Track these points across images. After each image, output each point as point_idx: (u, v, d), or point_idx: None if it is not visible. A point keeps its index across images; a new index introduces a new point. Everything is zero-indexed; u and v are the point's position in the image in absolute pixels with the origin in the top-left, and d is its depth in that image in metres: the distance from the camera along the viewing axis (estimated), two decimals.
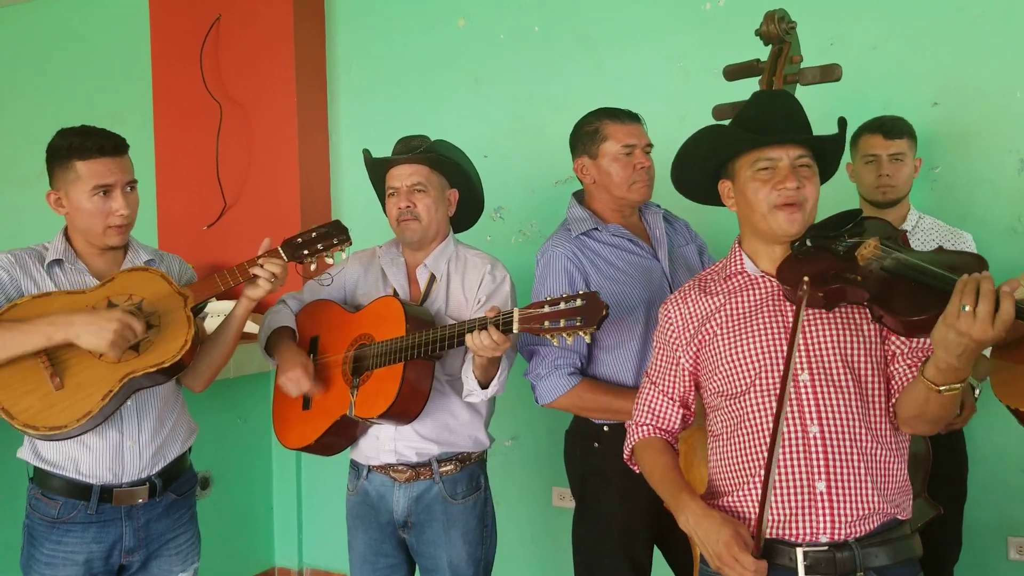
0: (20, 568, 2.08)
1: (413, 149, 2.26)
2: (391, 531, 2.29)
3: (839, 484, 1.58)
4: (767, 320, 1.68)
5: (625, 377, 2.25)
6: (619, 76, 3.27)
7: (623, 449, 1.92)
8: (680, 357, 1.78)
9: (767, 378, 1.64)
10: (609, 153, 2.27)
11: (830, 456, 1.59)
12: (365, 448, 2.29)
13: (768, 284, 1.71)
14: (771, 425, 1.62)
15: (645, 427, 1.83)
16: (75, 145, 1.98)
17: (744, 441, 1.67)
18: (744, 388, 1.66)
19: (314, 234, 2.17)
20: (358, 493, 2.32)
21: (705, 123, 2.83)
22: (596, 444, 2.27)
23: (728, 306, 1.73)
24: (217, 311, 3.34)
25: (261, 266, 2.07)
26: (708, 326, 1.74)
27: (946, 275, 1.45)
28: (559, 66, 3.39)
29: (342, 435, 2.25)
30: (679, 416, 1.82)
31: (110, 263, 2.11)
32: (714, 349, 1.72)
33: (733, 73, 2.30)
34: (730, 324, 1.71)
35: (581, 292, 1.85)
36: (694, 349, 1.76)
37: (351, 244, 2.21)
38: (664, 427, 1.82)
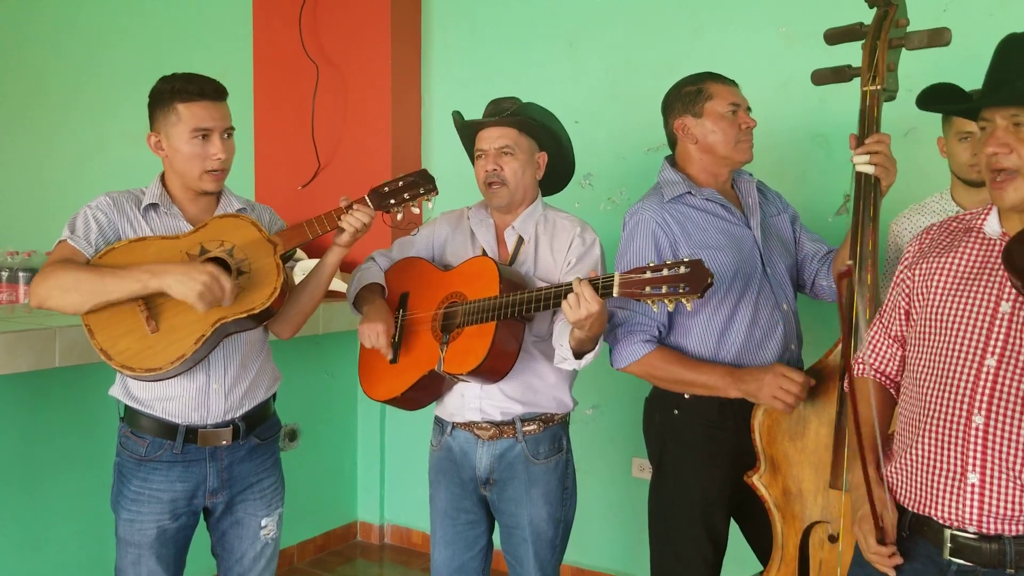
0: (110, 506, 2.17)
1: (503, 111, 2.26)
2: (473, 488, 2.32)
3: (994, 480, 1.49)
4: (980, 288, 1.55)
5: (706, 346, 2.22)
6: (718, 40, 3.18)
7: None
8: (900, 298, 1.72)
9: (956, 353, 1.54)
10: (715, 112, 2.23)
11: (990, 450, 1.49)
12: (450, 405, 2.32)
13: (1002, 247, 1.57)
14: (941, 404, 1.55)
15: (862, 365, 1.80)
16: (177, 88, 2.03)
17: (917, 406, 1.61)
18: (932, 354, 1.58)
19: (401, 183, 2.17)
20: (442, 449, 2.36)
21: (809, 91, 2.75)
22: (676, 411, 2.25)
23: (951, 260, 1.61)
24: (305, 269, 3.41)
25: (350, 215, 2.09)
26: (930, 280, 1.63)
27: None
28: (655, 30, 3.32)
29: (428, 390, 2.29)
30: (898, 357, 1.75)
31: (204, 209, 2.15)
32: (923, 301, 1.63)
33: (833, 37, 2.23)
34: (946, 281, 1.60)
35: (686, 259, 1.82)
36: (913, 293, 1.67)
37: (438, 193, 2.20)
38: (881, 368, 1.78)
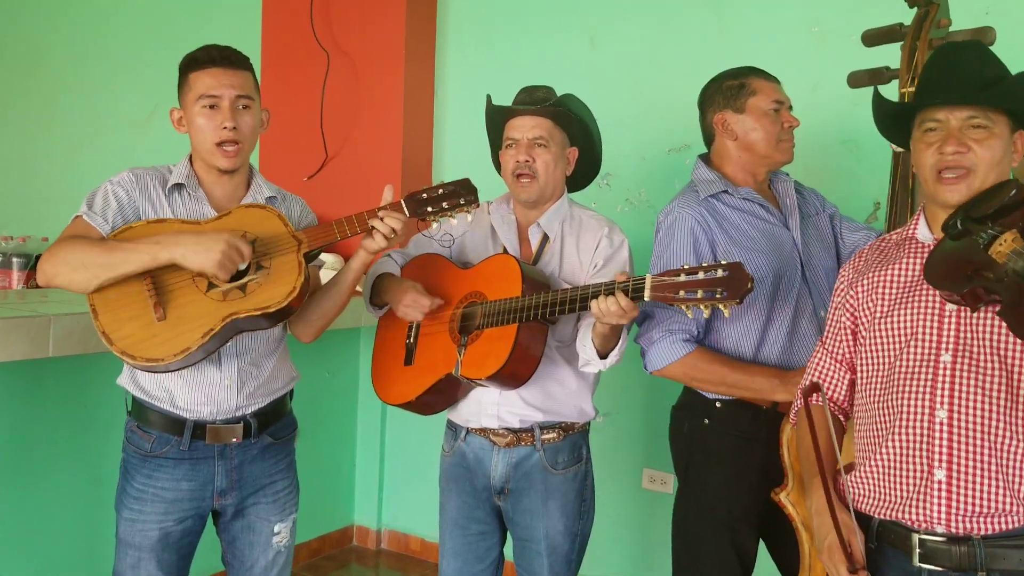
0: (114, 506, 2.06)
1: (538, 100, 2.15)
2: (486, 497, 2.21)
3: (960, 476, 1.50)
4: (924, 292, 1.59)
5: (745, 352, 2.12)
6: (746, 40, 3.08)
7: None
8: (844, 318, 1.72)
9: (910, 356, 1.56)
10: (758, 108, 2.14)
11: (955, 445, 1.51)
12: (464, 410, 2.21)
13: None
14: (903, 406, 1.55)
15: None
16: (191, 58, 1.97)
17: (876, 417, 1.61)
18: (886, 364, 1.61)
19: (441, 191, 2.03)
20: (454, 455, 2.24)
21: (840, 94, 2.66)
22: (706, 420, 2.15)
23: (891, 273, 1.66)
24: (333, 264, 3.31)
25: (381, 219, 1.97)
26: (874, 294, 1.67)
27: None
28: (680, 27, 3.22)
29: (444, 395, 2.17)
30: (846, 381, 1.75)
31: (231, 194, 2.04)
32: (871, 315, 1.65)
33: (872, 38, 2.19)
34: (890, 292, 1.64)
35: (724, 262, 1.72)
36: (857, 311, 1.70)
37: (479, 206, 2.08)
38: (829, 395, 1.77)
